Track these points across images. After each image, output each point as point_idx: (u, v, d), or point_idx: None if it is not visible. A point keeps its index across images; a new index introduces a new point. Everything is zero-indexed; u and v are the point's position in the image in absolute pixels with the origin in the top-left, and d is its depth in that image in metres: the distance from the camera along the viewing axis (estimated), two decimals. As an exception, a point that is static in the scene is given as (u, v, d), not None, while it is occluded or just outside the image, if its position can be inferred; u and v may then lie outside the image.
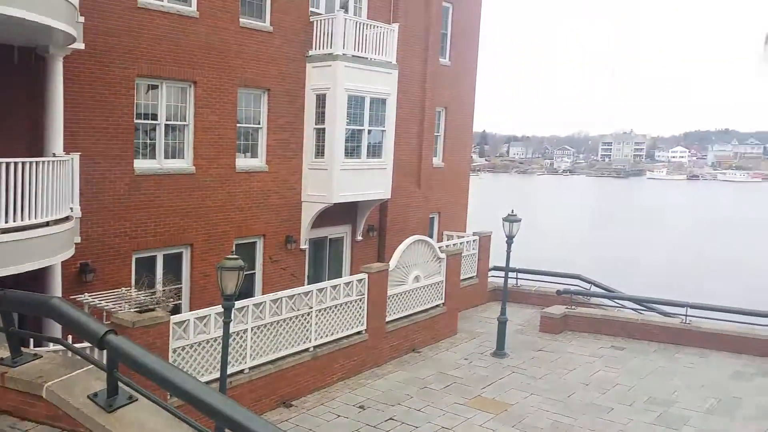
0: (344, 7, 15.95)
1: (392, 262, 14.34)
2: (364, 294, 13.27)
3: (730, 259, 57.89)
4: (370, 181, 16.07)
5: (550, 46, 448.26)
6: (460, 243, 18.21)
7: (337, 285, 12.79)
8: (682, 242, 68.93)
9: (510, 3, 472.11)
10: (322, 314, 12.35)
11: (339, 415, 11.21)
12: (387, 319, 14.10)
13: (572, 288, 18.20)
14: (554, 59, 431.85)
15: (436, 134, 19.83)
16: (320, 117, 15.22)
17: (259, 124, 14.64)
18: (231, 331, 9.46)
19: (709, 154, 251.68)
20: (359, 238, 17.48)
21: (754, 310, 17.60)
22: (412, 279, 14.94)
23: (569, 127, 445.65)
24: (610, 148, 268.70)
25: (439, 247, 16.31)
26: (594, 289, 18.92)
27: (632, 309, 18.46)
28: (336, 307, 12.66)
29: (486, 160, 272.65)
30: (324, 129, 15.17)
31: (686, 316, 15.97)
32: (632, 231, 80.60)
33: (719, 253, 62.14)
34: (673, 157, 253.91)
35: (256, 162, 14.65)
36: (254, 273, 14.77)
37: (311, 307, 12.06)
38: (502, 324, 14.91)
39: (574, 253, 57.70)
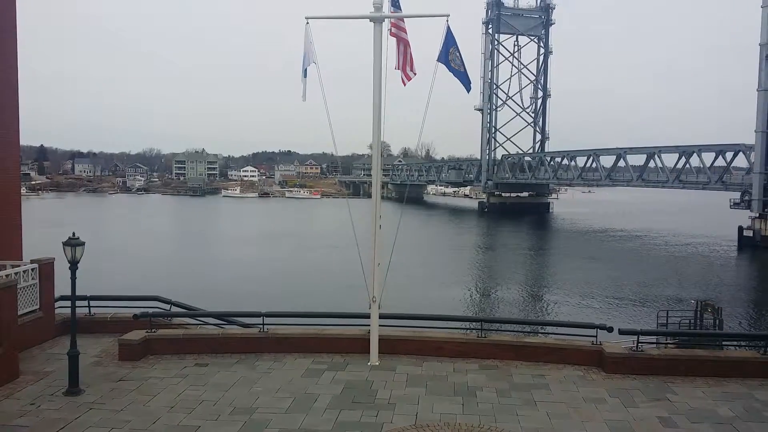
0: None
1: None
2: None
3: (304, 268, 64.01)
4: None
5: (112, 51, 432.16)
6: (15, 273, 15.80)
7: None
8: (256, 255, 73.64)
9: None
10: None
11: None
12: None
13: (151, 310, 17.41)
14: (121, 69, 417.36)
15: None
16: None
17: None
18: None
19: (276, 173, 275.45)
20: None
21: (321, 312, 19.55)
22: (-47, 321, 12.32)
23: (139, 144, 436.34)
24: (184, 167, 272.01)
25: (-11, 280, 13.84)
26: (174, 308, 18.48)
27: (215, 324, 18.60)
28: None
29: (48, 177, 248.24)
30: None
31: (263, 324, 16.74)
32: (209, 248, 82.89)
33: (288, 262, 68.20)
34: (245, 176, 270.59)
35: None
36: None
37: None
38: (73, 358, 13.35)
39: (154, 274, 56.46)
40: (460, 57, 14.53)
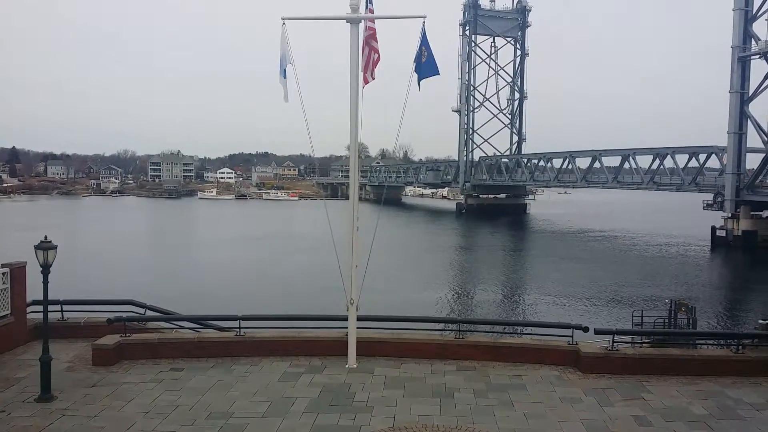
0: None
1: None
2: None
3: (280, 272, 63.66)
4: None
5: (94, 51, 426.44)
6: (-15, 277, 15.49)
7: None
8: (232, 257, 73.06)
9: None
10: None
11: None
12: None
13: (125, 315, 17.18)
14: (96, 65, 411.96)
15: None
16: None
17: None
18: None
19: (253, 175, 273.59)
20: None
21: (298, 315, 19.45)
22: None
23: (113, 146, 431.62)
24: (160, 169, 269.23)
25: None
26: (149, 313, 18.26)
27: (190, 328, 18.41)
28: None
29: (20, 180, 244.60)
30: None
31: (240, 328, 16.61)
32: (185, 251, 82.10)
33: (266, 265, 67.81)
34: (221, 177, 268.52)
35: None
36: None
37: None
38: (45, 364, 13.13)
39: (128, 278, 55.76)
40: (426, 55, 14.49)
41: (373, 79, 14.61)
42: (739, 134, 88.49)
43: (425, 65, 14.48)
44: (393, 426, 11.92)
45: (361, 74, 14.62)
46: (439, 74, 14.71)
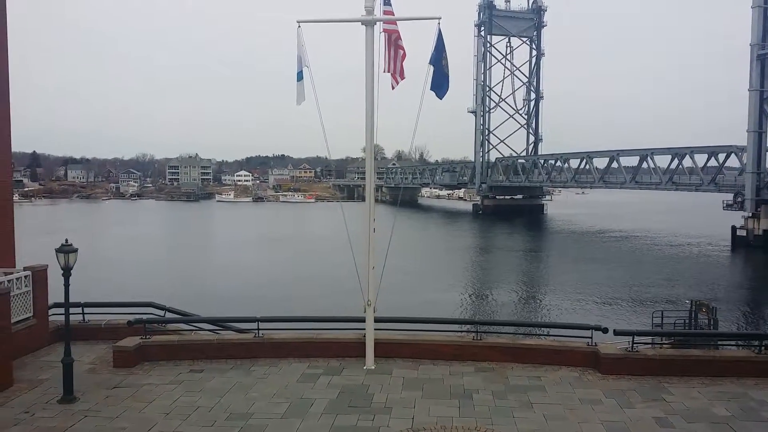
0: None
1: None
2: None
3: (298, 274, 63.92)
4: None
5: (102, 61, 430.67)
6: (8, 280, 15.70)
7: None
8: (251, 259, 73.47)
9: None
10: None
11: None
12: None
13: (145, 317, 17.35)
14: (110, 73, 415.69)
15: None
16: None
17: None
18: None
19: (270, 177, 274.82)
20: None
21: (316, 316, 19.52)
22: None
23: (132, 149, 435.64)
24: (178, 172, 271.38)
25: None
26: (169, 315, 18.43)
27: (210, 330, 18.55)
28: None
29: (40, 184, 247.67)
30: None
31: (258, 330, 16.70)
32: (204, 253, 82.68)
33: (283, 267, 68.11)
34: (239, 180, 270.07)
35: None
36: None
37: None
38: (67, 366, 13.30)
39: (148, 280, 56.28)
40: (445, 64, 14.51)
41: (403, 78, 14.57)
42: (759, 132, 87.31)
43: (437, 80, 14.42)
44: (412, 427, 11.91)
45: (377, 76, 14.59)
46: (440, 99, 14.62)
